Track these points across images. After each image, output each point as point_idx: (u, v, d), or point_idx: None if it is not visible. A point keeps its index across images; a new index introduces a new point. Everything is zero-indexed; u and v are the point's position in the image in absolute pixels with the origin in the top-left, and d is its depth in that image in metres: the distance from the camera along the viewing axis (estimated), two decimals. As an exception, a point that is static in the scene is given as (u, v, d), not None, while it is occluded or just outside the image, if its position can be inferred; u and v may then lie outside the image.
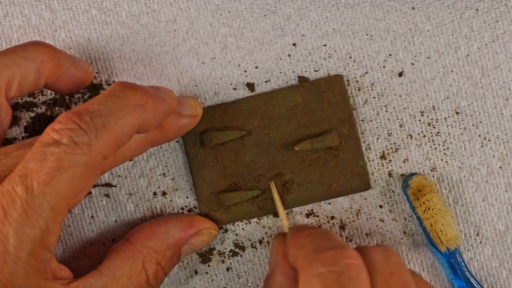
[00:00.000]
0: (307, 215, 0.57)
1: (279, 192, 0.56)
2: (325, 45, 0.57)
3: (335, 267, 0.45)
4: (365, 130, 0.57)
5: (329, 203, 0.57)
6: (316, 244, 0.47)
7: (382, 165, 0.57)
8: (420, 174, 0.56)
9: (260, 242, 0.57)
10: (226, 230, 0.57)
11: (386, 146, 0.57)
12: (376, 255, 0.48)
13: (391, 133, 0.57)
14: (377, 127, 0.57)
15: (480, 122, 0.57)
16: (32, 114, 0.57)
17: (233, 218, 0.57)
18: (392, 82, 0.57)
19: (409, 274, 0.47)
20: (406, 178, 0.56)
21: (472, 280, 0.55)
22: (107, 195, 0.57)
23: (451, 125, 0.57)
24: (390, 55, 0.57)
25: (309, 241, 0.48)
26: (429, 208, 0.55)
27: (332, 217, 0.57)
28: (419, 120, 0.57)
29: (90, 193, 0.57)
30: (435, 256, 0.57)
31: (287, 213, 0.57)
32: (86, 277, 0.49)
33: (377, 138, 0.57)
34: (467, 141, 0.57)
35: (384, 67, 0.57)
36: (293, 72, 0.57)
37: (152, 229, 0.54)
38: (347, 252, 0.46)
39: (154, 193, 0.57)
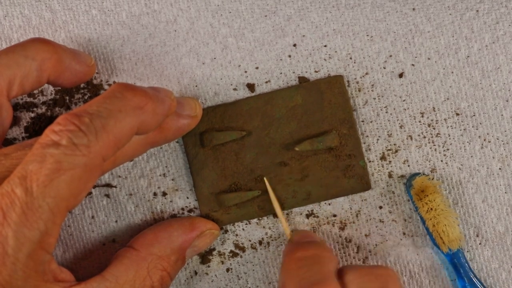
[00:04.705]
0: (307, 216, 0.57)
1: (280, 193, 0.56)
2: (325, 46, 0.57)
3: None
4: (365, 131, 0.57)
5: (329, 204, 0.57)
6: (304, 275, 0.48)
7: (382, 166, 0.57)
8: (424, 174, 0.56)
9: (260, 243, 0.57)
10: (226, 231, 0.57)
11: (386, 147, 0.57)
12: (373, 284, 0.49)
13: (391, 134, 0.57)
14: (377, 128, 0.57)
15: (480, 123, 0.57)
16: (32, 115, 0.57)
17: (233, 218, 0.57)
18: (393, 83, 0.57)
19: None
20: (409, 178, 0.56)
21: (475, 280, 0.55)
22: (108, 196, 0.57)
23: (451, 126, 0.57)
24: (391, 56, 0.57)
25: (301, 267, 0.49)
26: (432, 209, 0.55)
27: (333, 217, 0.57)
28: (419, 121, 0.57)
29: (90, 193, 0.57)
30: (437, 257, 0.57)
31: (287, 214, 0.57)
32: (89, 281, 0.49)
33: (377, 139, 0.57)
34: (467, 142, 0.57)
35: (384, 68, 0.57)
36: (294, 72, 0.57)
37: (155, 235, 0.54)
38: None
39: (154, 194, 0.57)
